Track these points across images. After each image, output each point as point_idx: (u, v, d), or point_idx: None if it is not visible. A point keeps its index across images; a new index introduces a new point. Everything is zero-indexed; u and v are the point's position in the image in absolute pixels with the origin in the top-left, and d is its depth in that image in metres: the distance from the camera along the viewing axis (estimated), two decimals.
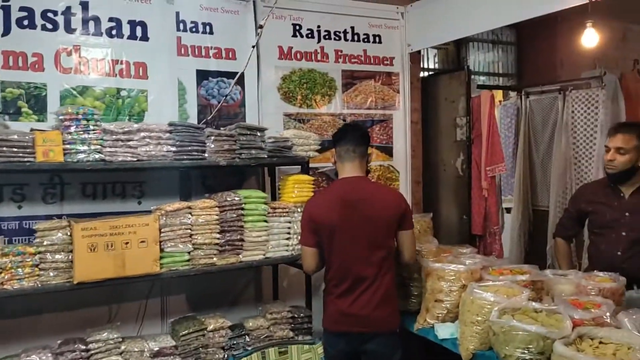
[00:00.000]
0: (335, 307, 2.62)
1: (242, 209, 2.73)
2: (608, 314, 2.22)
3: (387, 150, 3.92)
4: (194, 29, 3.20)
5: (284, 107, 3.53)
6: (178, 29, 3.16)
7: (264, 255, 2.82)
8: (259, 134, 2.81)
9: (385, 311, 2.58)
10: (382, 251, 2.55)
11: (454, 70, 4.37)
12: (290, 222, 2.90)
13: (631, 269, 2.81)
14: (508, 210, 5.01)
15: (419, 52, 4.47)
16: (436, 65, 5.27)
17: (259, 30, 3.04)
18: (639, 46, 6.09)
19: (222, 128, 2.88)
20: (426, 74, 5.04)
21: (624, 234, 2.84)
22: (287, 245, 2.90)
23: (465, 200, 4.20)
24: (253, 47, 3.12)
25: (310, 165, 3.55)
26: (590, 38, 4.63)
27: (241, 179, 3.31)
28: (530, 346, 2.14)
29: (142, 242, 2.44)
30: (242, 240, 2.74)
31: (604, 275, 2.66)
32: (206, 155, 2.67)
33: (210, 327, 2.68)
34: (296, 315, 2.91)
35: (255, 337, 2.78)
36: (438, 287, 2.80)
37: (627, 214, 2.85)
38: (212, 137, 2.68)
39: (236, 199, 2.70)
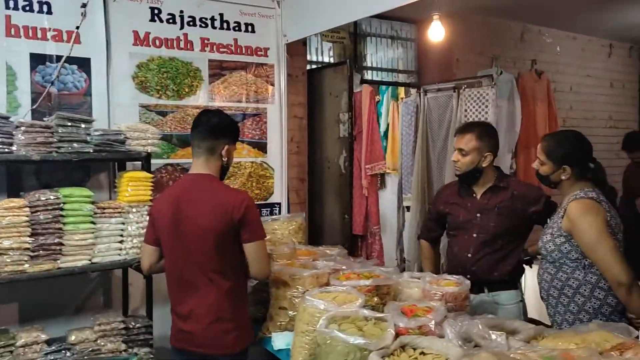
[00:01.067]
0: (174, 319, 2.40)
1: (61, 209, 2.44)
2: (433, 322, 2.09)
3: (261, 146, 3.71)
4: (27, 8, 2.87)
5: (140, 97, 3.25)
6: (7, 7, 2.82)
7: (89, 260, 2.55)
8: (83, 125, 2.53)
9: (219, 331, 2.31)
10: (213, 262, 2.29)
11: (338, 64, 4.21)
12: (123, 224, 2.63)
13: (481, 272, 2.73)
14: (408, 208, 4.94)
15: (304, 43, 4.29)
16: (331, 60, 5.12)
17: (82, 9, 2.74)
18: (537, 46, 6.19)
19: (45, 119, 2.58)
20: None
21: (474, 235, 2.76)
22: (120, 249, 2.63)
23: (347, 199, 4.06)
24: (77, 28, 2.82)
25: (173, 161, 3.32)
26: (436, 32, 4.50)
27: (85, 175, 3.01)
28: (348, 358, 1.99)
29: None
30: (61, 244, 2.45)
31: (451, 279, 2.56)
32: (14, 148, 2.36)
33: (21, 342, 2.39)
34: (130, 326, 2.66)
35: (78, 351, 2.51)
36: (282, 294, 2.62)
37: (478, 214, 2.76)
38: (23, 128, 2.37)
39: (52, 197, 2.41)
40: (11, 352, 2.37)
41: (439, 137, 4.85)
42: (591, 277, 2.33)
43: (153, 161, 3.19)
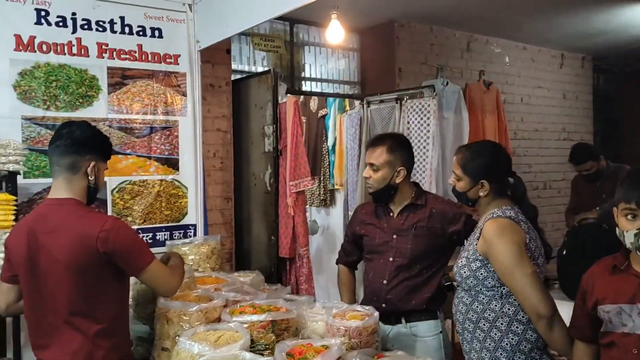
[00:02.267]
0: None
1: None
2: None
3: (171, 163, 3.37)
4: None
5: (23, 109, 2.89)
6: None
7: None
8: None
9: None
10: (75, 304, 1.94)
11: (262, 73, 3.91)
12: None
13: (397, 300, 2.43)
14: None
15: (228, 51, 4.00)
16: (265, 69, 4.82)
17: None
18: (485, 56, 6.01)
19: None
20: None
21: (390, 259, 2.46)
22: None
23: (273, 219, 3.74)
24: None
25: None
26: (334, 32, 4.15)
27: None
28: None
29: None
30: None
31: (359, 311, 2.25)
32: None
33: None
34: None
35: None
36: (165, 332, 2.27)
37: (394, 236, 2.47)
38: None
39: None
40: None
41: None
42: (508, 309, 2.03)
43: (39, 181, 2.84)
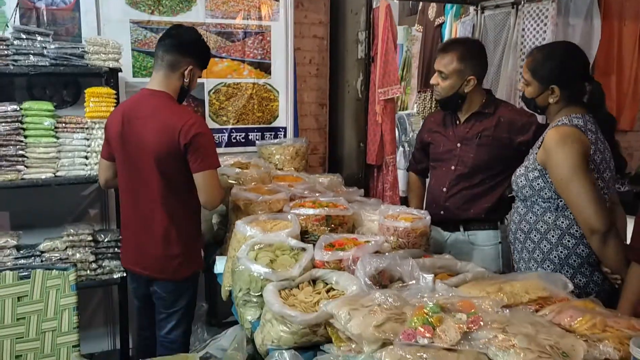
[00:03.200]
0: (124, 240, 2.44)
1: (20, 122, 2.50)
2: (351, 257, 1.89)
3: (264, 67, 3.52)
4: None
5: (132, 13, 3.18)
6: None
7: (53, 173, 2.62)
8: (39, 38, 2.51)
9: (164, 254, 2.29)
10: (159, 185, 2.22)
11: None
12: (87, 139, 2.65)
13: (454, 208, 2.43)
14: None
15: None
16: None
17: None
18: None
19: None
20: None
21: (452, 168, 2.43)
22: (85, 165, 2.67)
23: (363, 126, 3.80)
24: None
25: None
26: None
27: (77, 90, 3.04)
28: (250, 287, 1.87)
29: None
30: (23, 156, 2.53)
31: (413, 214, 2.30)
32: None
33: None
34: (99, 239, 2.73)
35: (47, 258, 2.64)
36: (235, 219, 2.51)
37: (458, 144, 2.42)
38: None
39: (9, 109, 2.46)
40: None
41: (493, 61, 4.33)
42: (562, 222, 1.95)
43: (145, 79, 3.17)
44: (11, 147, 2.49)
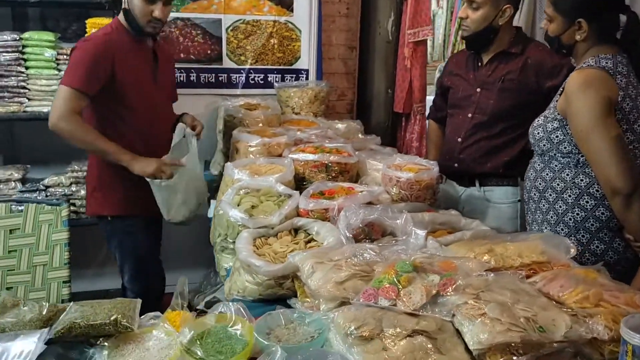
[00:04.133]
0: None
1: (21, 52, 2.43)
2: (336, 207, 1.73)
3: (285, 3, 3.30)
4: None
5: None
6: None
7: None
8: None
9: (90, 194, 2.32)
10: None
11: None
12: None
13: (469, 160, 2.20)
14: None
15: None
16: None
17: None
18: None
19: None
20: None
21: (469, 115, 2.18)
22: None
23: (391, 72, 3.54)
24: None
25: (183, 15, 3.14)
26: None
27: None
28: (227, 233, 1.76)
29: None
30: (25, 87, 2.48)
31: (419, 164, 2.10)
32: None
33: None
34: None
35: (52, 193, 2.63)
36: (233, 160, 2.40)
37: (478, 89, 2.16)
38: None
39: (9, 39, 2.40)
40: None
41: None
42: (581, 180, 1.70)
43: None
44: (12, 78, 2.45)
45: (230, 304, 1.22)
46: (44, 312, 1.19)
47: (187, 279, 1.30)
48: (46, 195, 2.60)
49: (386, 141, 3.22)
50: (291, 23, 3.34)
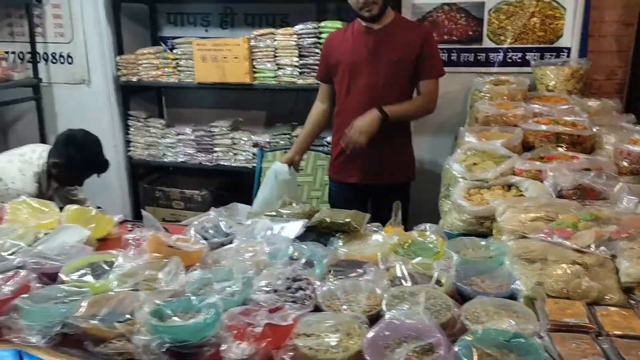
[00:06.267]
0: None
1: (318, 37, 3.16)
2: (548, 169, 1.89)
3: None
4: None
5: None
6: None
7: None
8: None
9: None
10: None
11: None
12: None
13: None
14: None
15: None
16: None
17: None
18: None
19: None
20: None
21: None
22: None
23: None
24: None
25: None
26: None
27: None
28: (450, 183, 2.10)
29: (236, 58, 3.26)
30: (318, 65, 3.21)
31: None
32: None
33: None
34: None
35: None
36: None
37: None
38: None
39: (311, 27, 3.14)
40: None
41: None
42: None
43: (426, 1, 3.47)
44: (310, 57, 3.20)
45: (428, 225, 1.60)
46: (307, 210, 1.77)
47: (400, 203, 1.73)
48: None
49: None
50: (555, 2, 3.37)
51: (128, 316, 1.22)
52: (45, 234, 1.68)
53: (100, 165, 2.59)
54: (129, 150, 3.78)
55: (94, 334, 1.19)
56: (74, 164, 2.51)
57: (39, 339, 1.21)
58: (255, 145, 3.49)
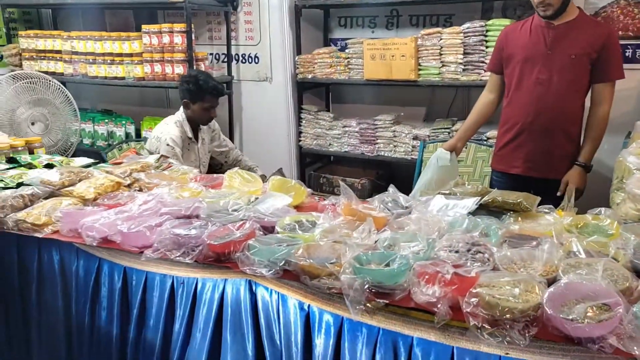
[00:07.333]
0: None
1: (485, 35, 3.26)
2: None
3: None
4: None
5: None
6: None
7: None
8: None
9: None
10: None
11: None
12: None
13: None
14: None
15: None
16: None
17: None
18: None
19: None
20: None
21: None
22: None
23: None
24: None
25: None
26: None
27: None
28: (623, 175, 2.11)
29: (403, 56, 3.48)
30: (482, 62, 3.31)
31: None
32: None
33: None
34: None
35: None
36: None
37: None
38: None
39: (477, 25, 3.25)
40: None
41: None
42: None
43: None
44: (475, 54, 3.32)
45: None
46: (478, 189, 1.94)
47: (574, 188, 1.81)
48: None
49: None
50: None
51: (335, 260, 1.50)
52: (255, 198, 2.05)
53: (214, 88, 3.06)
54: (300, 140, 4.21)
55: (309, 271, 1.49)
56: (193, 95, 3.02)
57: (266, 271, 1.55)
58: (415, 138, 3.69)
